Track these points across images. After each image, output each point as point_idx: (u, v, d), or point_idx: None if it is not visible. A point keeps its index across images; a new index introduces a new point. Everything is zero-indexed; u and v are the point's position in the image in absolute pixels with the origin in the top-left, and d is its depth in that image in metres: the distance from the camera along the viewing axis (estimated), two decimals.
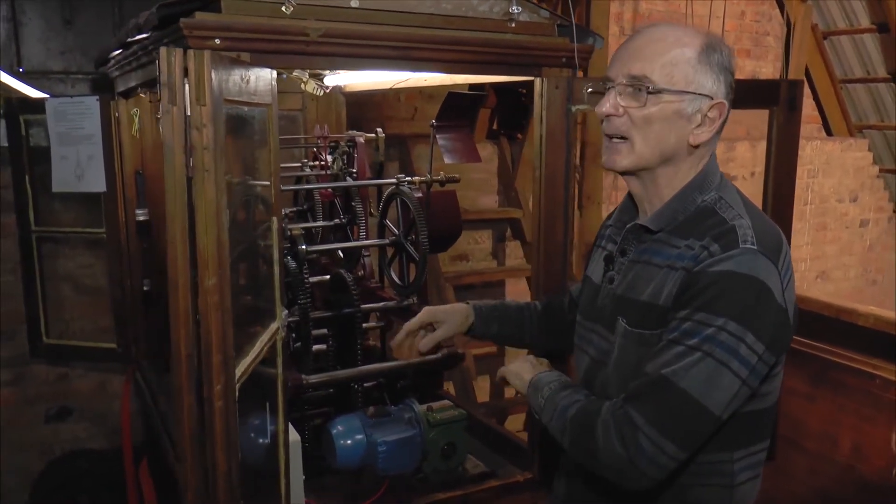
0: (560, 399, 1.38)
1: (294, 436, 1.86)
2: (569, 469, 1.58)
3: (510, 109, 4.97)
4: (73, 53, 3.61)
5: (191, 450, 1.28)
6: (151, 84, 2.28)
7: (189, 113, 1.19)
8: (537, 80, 2.02)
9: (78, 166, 3.01)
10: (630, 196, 1.49)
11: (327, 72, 2.67)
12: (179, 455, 1.30)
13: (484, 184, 5.01)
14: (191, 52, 1.18)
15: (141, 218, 3.02)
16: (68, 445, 3.61)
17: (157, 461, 3.07)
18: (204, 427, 1.27)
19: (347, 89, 3.42)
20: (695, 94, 1.29)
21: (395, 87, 2.60)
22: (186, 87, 1.20)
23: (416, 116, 4.99)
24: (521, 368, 1.55)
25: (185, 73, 1.18)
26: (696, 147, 1.34)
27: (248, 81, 1.40)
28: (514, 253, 5.15)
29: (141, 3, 3.59)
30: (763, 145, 5.75)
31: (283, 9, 1.62)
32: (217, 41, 1.50)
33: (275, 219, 1.63)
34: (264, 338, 1.56)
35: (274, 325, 1.63)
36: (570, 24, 2.01)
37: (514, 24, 1.95)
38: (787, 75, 5.90)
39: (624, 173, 1.39)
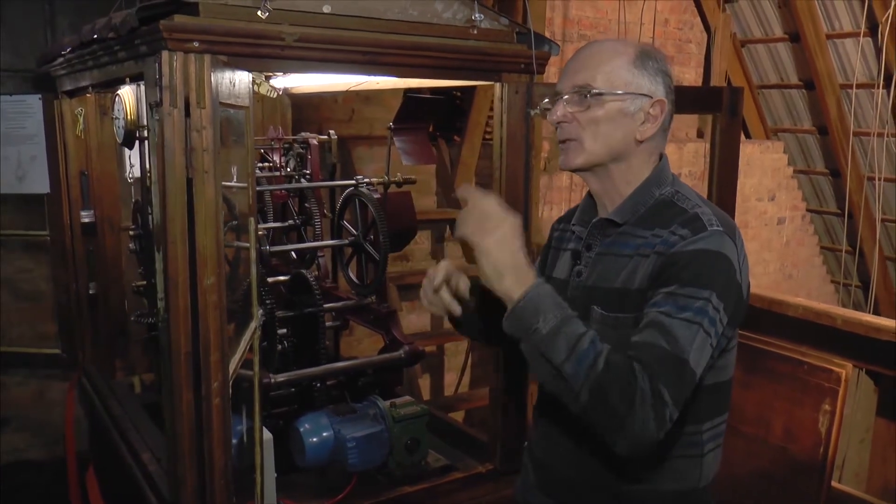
0: (582, 342, 1.26)
1: (267, 434, 1.88)
2: (537, 455, 1.64)
3: (446, 113, 5.05)
4: (2, 52, 3.48)
5: (189, 447, 1.29)
6: (108, 84, 2.26)
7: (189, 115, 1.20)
8: (497, 85, 2.10)
9: (19, 167, 2.93)
10: (589, 197, 1.59)
11: (279, 74, 2.69)
12: (178, 453, 1.31)
13: (423, 185, 5.08)
14: (191, 56, 1.20)
15: (86, 220, 2.97)
16: (6, 457, 3.48)
17: (104, 468, 3.01)
18: (201, 424, 1.29)
19: (293, 91, 3.42)
20: (634, 94, 1.43)
21: (350, 89, 2.64)
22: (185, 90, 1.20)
23: (354, 118, 5.02)
24: (500, 260, 1.29)
25: (186, 76, 1.20)
26: (642, 142, 1.47)
27: (234, 84, 1.43)
28: (453, 253, 5.23)
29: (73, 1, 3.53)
30: (689, 147, 6.01)
31: (259, 13, 1.64)
32: (196, 44, 1.51)
33: (252, 219, 1.66)
34: (246, 337, 1.58)
35: (252, 325, 1.66)
36: (529, 32, 2.10)
37: (476, 31, 2.03)
38: (709, 80, 6.19)
39: (579, 171, 1.51)
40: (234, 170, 1.63)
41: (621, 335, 1.36)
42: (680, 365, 1.27)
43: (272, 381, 2.16)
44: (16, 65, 3.45)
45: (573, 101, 1.44)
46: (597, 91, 1.41)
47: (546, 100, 1.54)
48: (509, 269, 1.29)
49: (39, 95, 2.94)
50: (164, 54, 1.23)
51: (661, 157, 1.53)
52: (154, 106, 1.44)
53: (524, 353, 1.31)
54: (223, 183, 1.66)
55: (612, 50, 1.46)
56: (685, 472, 1.46)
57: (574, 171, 1.50)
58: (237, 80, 1.47)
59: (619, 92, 1.42)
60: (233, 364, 1.42)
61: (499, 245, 1.29)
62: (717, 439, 1.49)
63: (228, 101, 1.39)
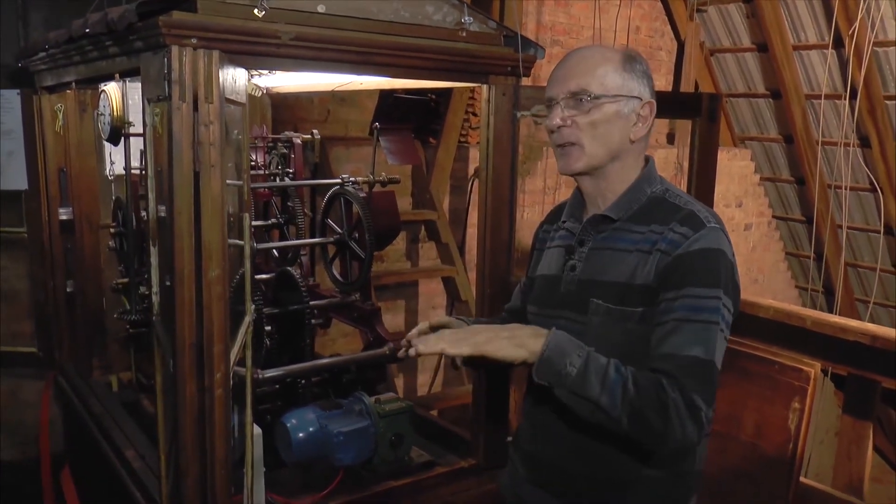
0: (609, 373, 1.36)
1: (256, 429, 1.89)
2: (527, 448, 1.67)
3: (422, 115, 5.08)
4: None
5: (191, 438, 1.31)
6: (94, 80, 2.26)
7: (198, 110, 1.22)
8: (485, 87, 2.14)
9: None
10: (577, 194, 1.65)
11: (264, 72, 2.70)
12: (180, 444, 1.32)
13: (398, 186, 5.10)
14: (200, 52, 1.22)
15: (64, 217, 2.94)
16: None
17: (82, 467, 2.99)
18: (203, 416, 1.30)
19: (274, 91, 3.43)
20: (627, 96, 1.50)
21: (336, 89, 2.66)
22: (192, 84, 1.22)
23: (329, 119, 5.04)
24: (513, 336, 1.43)
25: (195, 71, 1.22)
26: (634, 142, 1.54)
27: (235, 81, 1.45)
28: (427, 254, 5.27)
29: None
30: (660, 153, 6.10)
31: (256, 11, 1.66)
32: (194, 40, 1.53)
33: (246, 215, 1.67)
34: (241, 331, 1.60)
35: (246, 320, 1.67)
36: (516, 35, 2.15)
37: (465, 34, 2.07)
38: (679, 88, 6.31)
39: (578, 175, 1.55)
40: (230, 166, 1.65)
41: (626, 328, 1.43)
42: (707, 367, 1.35)
43: (260, 376, 2.17)
44: None
45: (570, 105, 1.49)
46: (594, 95, 1.47)
47: (536, 106, 1.59)
48: (522, 335, 1.42)
49: (18, 91, 2.90)
50: (175, 49, 1.24)
51: (648, 158, 1.60)
52: (154, 101, 1.45)
53: (559, 397, 1.40)
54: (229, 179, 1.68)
55: (600, 55, 1.52)
56: (683, 456, 1.52)
57: (575, 174, 1.55)
58: (238, 77, 1.49)
59: (614, 94, 1.48)
60: (232, 357, 1.44)
61: (498, 330, 1.43)
62: (708, 425, 1.55)
63: (231, 98, 1.42)
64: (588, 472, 1.53)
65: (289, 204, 2.82)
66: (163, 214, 1.52)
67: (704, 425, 1.35)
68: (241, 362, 1.75)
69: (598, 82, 1.48)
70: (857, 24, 5.01)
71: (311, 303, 2.49)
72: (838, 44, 5.50)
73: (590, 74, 1.49)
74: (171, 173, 1.29)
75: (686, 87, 6.32)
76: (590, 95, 1.47)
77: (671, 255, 1.41)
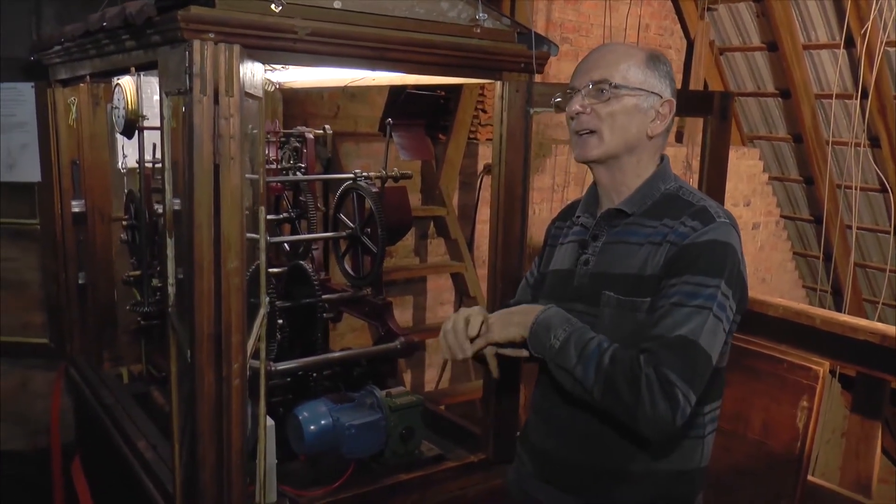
0: (589, 346, 1.42)
1: (269, 421, 1.91)
2: (535, 443, 1.69)
3: (432, 111, 5.09)
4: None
5: (208, 428, 1.33)
6: (110, 73, 2.27)
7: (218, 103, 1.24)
8: (498, 84, 2.15)
9: (9, 155, 2.91)
10: (592, 190, 1.66)
11: (278, 67, 2.71)
12: (197, 433, 1.34)
13: (407, 182, 5.12)
14: (221, 46, 1.23)
15: (77, 209, 2.96)
16: None
17: (93, 458, 3.01)
18: (220, 405, 1.32)
19: (286, 86, 3.44)
20: (648, 91, 1.53)
21: (349, 84, 2.67)
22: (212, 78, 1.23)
23: (339, 114, 5.05)
24: (511, 317, 1.55)
25: (216, 65, 1.23)
26: (652, 138, 1.56)
27: (253, 75, 1.46)
28: (436, 250, 5.28)
29: None
30: (668, 152, 6.12)
31: (273, 7, 1.67)
32: (212, 35, 1.54)
33: (262, 208, 1.69)
34: (256, 323, 1.62)
35: (261, 312, 1.69)
36: (529, 32, 2.15)
37: (479, 30, 2.08)
38: (688, 86, 6.30)
39: (594, 163, 1.58)
40: (247, 159, 1.66)
41: (638, 319, 1.45)
42: (689, 347, 1.36)
43: (273, 369, 2.18)
44: (5, 52, 3.43)
45: (591, 94, 1.53)
46: (614, 84, 1.50)
47: (558, 97, 1.62)
48: (516, 314, 1.55)
49: (32, 84, 2.92)
50: (196, 43, 1.26)
51: (664, 157, 1.62)
52: (172, 94, 1.47)
53: (552, 372, 1.47)
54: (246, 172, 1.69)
55: (624, 51, 1.56)
56: (689, 451, 1.53)
57: (590, 162, 1.57)
58: (255, 72, 1.50)
59: (635, 88, 1.51)
60: (248, 348, 1.46)
61: (504, 315, 1.56)
62: (714, 423, 1.57)
63: (249, 92, 1.43)
64: (590, 463, 1.54)
65: (301, 198, 2.84)
66: (179, 207, 1.54)
67: (681, 403, 1.34)
68: (254, 355, 1.77)
69: (620, 75, 1.52)
70: (869, 24, 5.00)
71: (323, 297, 2.50)
72: (849, 43, 5.48)
73: (613, 67, 1.53)
74: (190, 166, 1.31)
75: (695, 85, 6.31)
76: (610, 84, 1.51)
77: (679, 246, 1.43)
